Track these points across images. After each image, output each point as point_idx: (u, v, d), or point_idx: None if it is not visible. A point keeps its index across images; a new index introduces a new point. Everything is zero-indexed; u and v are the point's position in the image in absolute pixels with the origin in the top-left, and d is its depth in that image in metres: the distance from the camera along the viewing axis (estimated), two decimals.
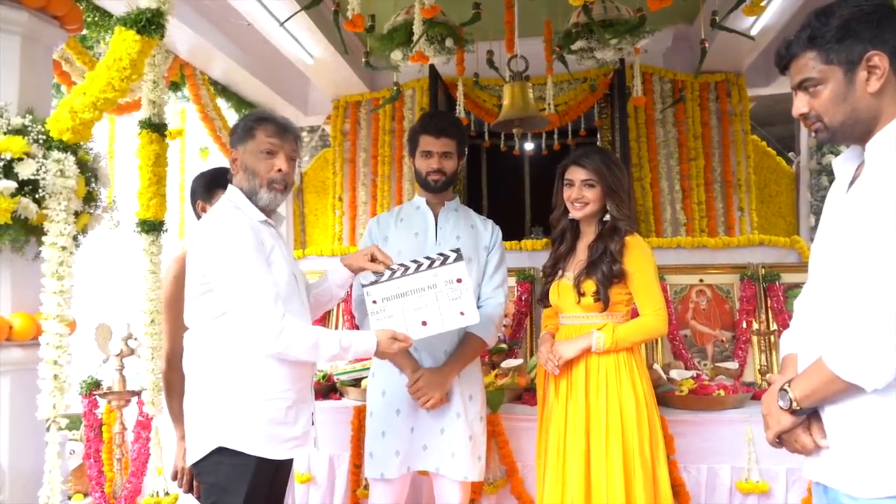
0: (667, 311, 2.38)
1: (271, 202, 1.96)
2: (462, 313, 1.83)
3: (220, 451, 1.83)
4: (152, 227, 2.48)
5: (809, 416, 1.40)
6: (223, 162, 5.27)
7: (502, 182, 6.65)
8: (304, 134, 7.12)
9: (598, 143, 5.26)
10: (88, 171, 1.90)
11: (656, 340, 3.62)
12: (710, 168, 5.11)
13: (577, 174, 2.42)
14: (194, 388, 1.92)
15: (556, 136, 5.60)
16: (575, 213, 2.45)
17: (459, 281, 1.90)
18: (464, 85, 4.41)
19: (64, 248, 1.75)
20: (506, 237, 4.26)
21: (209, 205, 2.55)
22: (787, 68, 1.42)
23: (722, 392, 2.92)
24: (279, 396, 1.89)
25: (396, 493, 2.45)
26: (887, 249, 1.21)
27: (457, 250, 1.96)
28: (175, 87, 4.67)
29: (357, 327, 3.72)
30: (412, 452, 2.42)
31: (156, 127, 2.44)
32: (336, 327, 3.92)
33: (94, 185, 1.92)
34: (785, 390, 1.39)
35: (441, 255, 1.98)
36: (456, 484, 2.42)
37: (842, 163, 1.46)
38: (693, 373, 3.23)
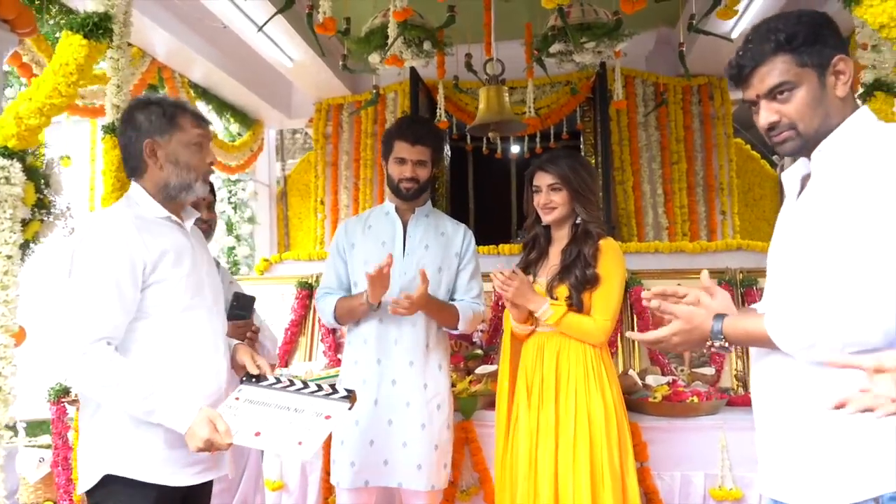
0: (612, 327, 2.35)
1: (201, 194, 1.85)
2: (300, 443, 1.64)
3: (114, 479, 1.66)
4: None
5: None
6: None
7: (488, 184, 6.64)
8: (288, 136, 7.08)
9: (581, 146, 5.25)
10: (40, 177, 1.86)
11: (634, 345, 3.61)
12: (692, 171, 5.11)
13: (543, 179, 2.41)
14: (84, 405, 1.77)
15: (538, 140, 5.59)
16: (545, 219, 2.43)
17: (328, 418, 1.71)
18: (445, 88, 4.39)
19: (9, 257, 1.70)
20: (492, 240, 4.29)
21: None
22: (749, 78, 1.36)
23: (695, 399, 2.90)
24: None
25: (362, 502, 2.42)
26: (843, 237, 1.22)
27: (351, 391, 1.80)
28: (153, 90, 4.63)
29: (333, 332, 3.73)
30: (371, 467, 2.37)
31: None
32: (313, 334, 3.88)
33: (45, 192, 1.87)
34: (720, 315, 1.37)
35: (332, 387, 1.81)
36: (423, 494, 2.39)
37: (788, 176, 1.45)
38: (669, 379, 3.20)
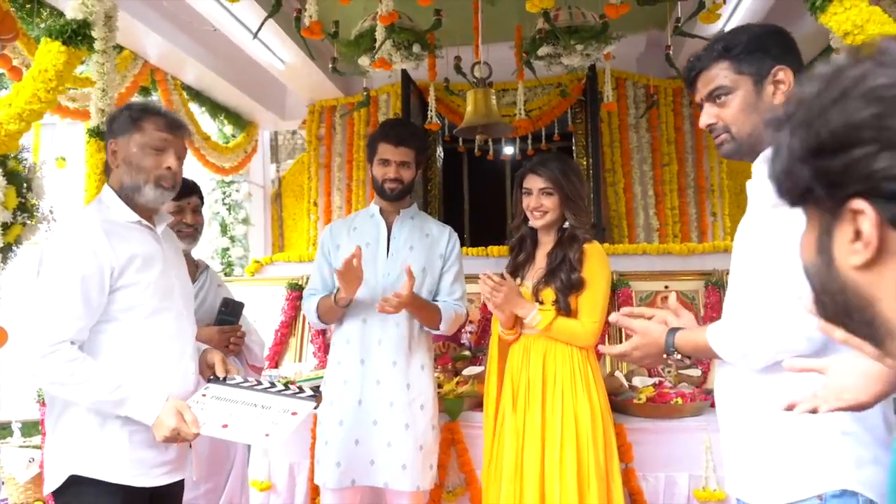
0: (600, 329, 2.37)
1: (156, 199, 1.79)
2: (267, 434, 1.68)
3: (79, 480, 1.66)
4: None
5: None
6: (197, 166, 5.26)
7: (483, 186, 6.66)
8: (287, 136, 7.09)
9: (573, 147, 5.27)
10: (22, 181, 1.88)
11: None
12: (683, 173, 5.13)
13: (534, 183, 2.41)
14: (50, 407, 1.76)
15: (530, 141, 5.60)
16: (535, 223, 2.45)
17: (294, 414, 1.74)
18: (436, 90, 4.40)
19: None
20: (486, 241, 4.30)
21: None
22: (695, 82, 1.45)
23: (679, 400, 2.91)
24: None
25: (346, 503, 2.44)
26: (769, 251, 1.29)
27: (317, 390, 1.85)
28: (146, 92, 4.65)
29: (323, 333, 3.74)
30: (358, 467, 2.39)
31: (104, 135, 2.42)
32: (302, 335, 3.90)
33: (28, 195, 1.89)
34: (674, 330, 1.44)
35: (300, 388, 1.84)
36: (408, 495, 2.41)
37: (749, 185, 1.50)
38: (655, 380, 3.21)
